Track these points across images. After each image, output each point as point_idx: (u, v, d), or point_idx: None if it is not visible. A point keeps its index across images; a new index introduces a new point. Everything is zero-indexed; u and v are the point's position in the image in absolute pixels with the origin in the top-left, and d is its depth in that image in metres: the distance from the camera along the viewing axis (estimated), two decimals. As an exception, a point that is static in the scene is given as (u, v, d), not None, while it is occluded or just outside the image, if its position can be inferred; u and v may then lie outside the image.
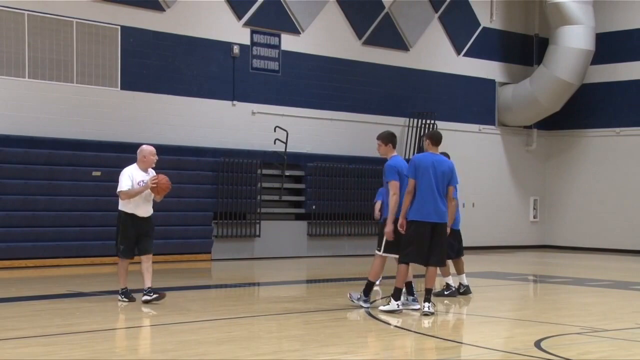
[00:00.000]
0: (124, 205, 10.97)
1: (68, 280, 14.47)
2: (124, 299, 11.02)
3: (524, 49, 26.14)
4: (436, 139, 11.00)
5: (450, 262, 12.13)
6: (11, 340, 8.26)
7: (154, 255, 17.72)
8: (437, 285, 11.80)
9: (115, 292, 11.55)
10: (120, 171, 17.66)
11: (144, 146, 11.22)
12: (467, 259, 21.90)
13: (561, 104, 24.99)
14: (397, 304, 10.24)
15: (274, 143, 20.10)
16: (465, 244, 26.27)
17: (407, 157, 23.14)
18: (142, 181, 10.95)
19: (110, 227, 17.26)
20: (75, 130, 17.55)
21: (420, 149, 23.07)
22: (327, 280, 14.46)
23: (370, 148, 22.57)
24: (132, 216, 10.96)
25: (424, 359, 8.18)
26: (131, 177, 10.90)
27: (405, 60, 23.31)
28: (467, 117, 24.81)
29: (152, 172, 11.18)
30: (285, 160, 20.10)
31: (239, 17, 20.18)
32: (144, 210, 11.06)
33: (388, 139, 10.80)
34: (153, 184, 10.91)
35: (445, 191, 10.33)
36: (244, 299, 11.50)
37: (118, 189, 10.89)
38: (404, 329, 9.26)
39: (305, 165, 20.59)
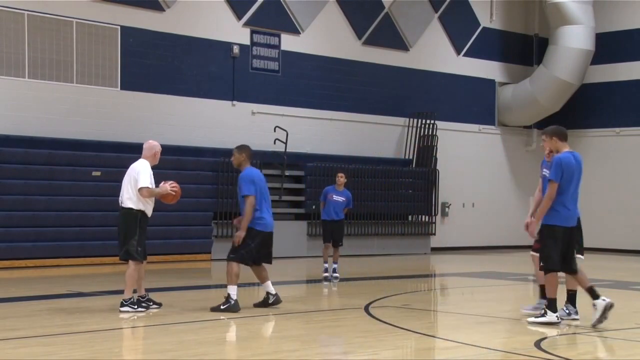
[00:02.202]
0: (141, 204, 10.14)
1: (68, 280, 14.47)
2: (154, 306, 10.28)
3: (524, 49, 26.13)
4: (566, 135, 9.95)
5: None
6: (11, 340, 8.25)
7: (153, 255, 17.87)
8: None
9: (115, 292, 11.54)
10: (119, 171, 17.67)
11: (155, 142, 10.51)
12: (467, 259, 21.97)
13: (561, 104, 24.99)
14: (556, 316, 9.38)
15: (274, 143, 20.10)
16: (465, 244, 26.37)
17: (406, 157, 23.17)
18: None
19: (110, 227, 17.32)
20: (75, 130, 17.55)
21: (421, 149, 23.08)
22: (327, 280, 14.46)
23: (370, 148, 22.65)
24: (145, 216, 10.27)
25: (423, 359, 8.18)
26: (150, 174, 10.21)
27: (405, 60, 23.31)
28: (467, 117, 24.81)
29: None
30: (285, 160, 20.10)
31: (239, 17, 20.18)
32: (151, 210, 10.35)
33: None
34: (173, 189, 10.31)
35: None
36: (243, 299, 11.48)
37: (141, 185, 10.03)
38: (404, 329, 9.26)
39: (305, 165, 20.59)
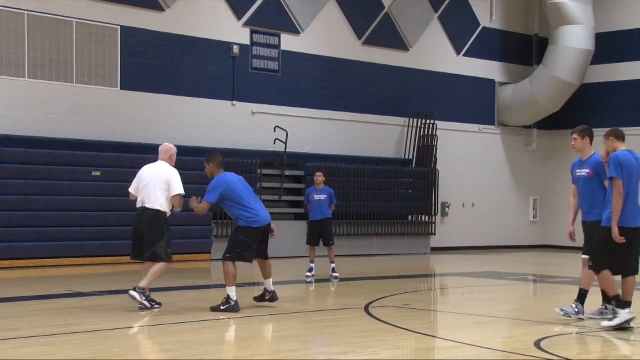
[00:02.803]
0: (167, 207, 10.37)
1: (68, 280, 14.47)
2: (156, 306, 10.29)
3: (524, 49, 26.13)
4: (622, 135, 9.87)
5: None
6: (11, 340, 8.25)
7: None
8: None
9: (114, 292, 11.54)
10: (119, 171, 17.76)
11: (171, 145, 10.75)
12: (467, 259, 21.96)
13: (561, 104, 24.99)
14: (628, 312, 9.10)
15: (274, 143, 20.10)
16: (465, 244, 26.35)
17: (406, 157, 23.17)
18: None
19: (110, 227, 17.34)
20: (75, 130, 17.56)
21: (421, 149, 23.08)
22: (327, 280, 14.46)
23: (370, 148, 22.65)
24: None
25: (423, 359, 8.18)
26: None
27: (405, 60, 23.31)
28: (467, 117, 24.81)
29: None
30: (285, 160, 20.10)
31: (239, 17, 20.19)
32: None
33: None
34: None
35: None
36: (243, 299, 11.49)
37: (179, 192, 10.31)
38: (404, 329, 9.26)
39: (305, 165, 20.59)
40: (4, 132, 16.63)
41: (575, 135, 9.92)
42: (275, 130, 20.07)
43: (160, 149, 10.66)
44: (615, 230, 9.01)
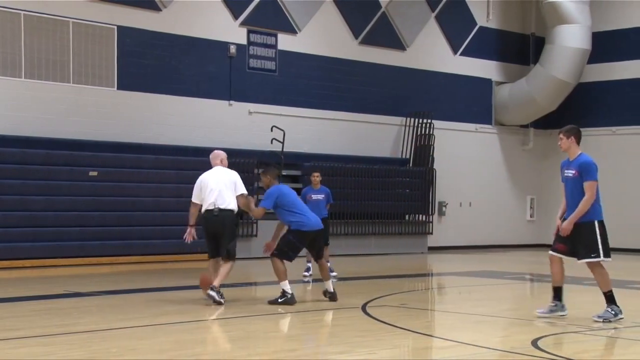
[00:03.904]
0: (235, 207, 11.05)
1: (66, 281, 14.47)
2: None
3: (521, 48, 26.17)
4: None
5: None
6: (9, 340, 8.26)
7: (152, 255, 17.90)
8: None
9: (113, 292, 11.56)
10: (117, 171, 17.78)
11: (218, 151, 11.43)
12: (464, 258, 21.99)
13: (558, 103, 25.03)
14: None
15: (271, 143, 20.11)
16: (462, 243, 26.40)
17: (403, 156, 23.19)
18: None
19: (108, 227, 17.35)
20: (73, 130, 17.56)
21: (418, 148, 23.10)
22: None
23: (367, 147, 22.67)
24: None
25: (421, 359, 8.20)
26: None
27: (402, 60, 23.33)
28: (464, 117, 24.83)
29: None
30: (282, 160, 20.11)
31: (236, 17, 20.20)
32: None
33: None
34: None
35: None
36: (241, 298, 11.51)
37: (244, 192, 11.01)
38: (402, 328, 9.28)
39: (303, 165, 20.60)
40: (1, 133, 16.63)
41: (561, 135, 10.01)
42: (272, 130, 20.08)
43: (211, 156, 11.31)
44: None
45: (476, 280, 15.79)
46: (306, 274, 14.55)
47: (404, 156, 23.21)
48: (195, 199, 11.09)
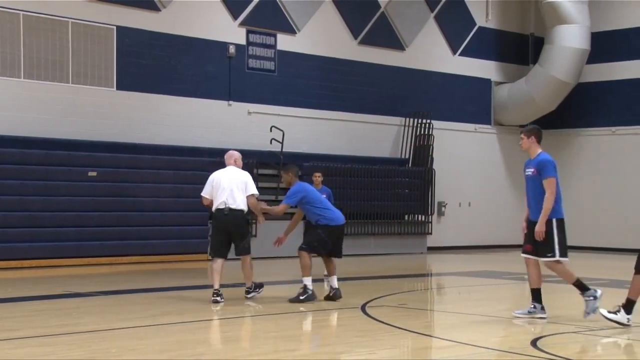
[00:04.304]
0: (246, 207, 11.28)
1: (65, 281, 14.46)
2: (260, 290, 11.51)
3: (520, 48, 26.17)
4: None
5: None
6: (9, 340, 8.25)
7: (151, 255, 17.89)
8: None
9: (112, 292, 11.53)
10: (114, 171, 17.78)
11: (233, 151, 11.74)
12: (463, 258, 21.99)
13: (557, 103, 25.03)
14: (627, 318, 9.24)
15: (270, 143, 20.11)
16: (461, 243, 26.39)
17: (402, 156, 23.19)
18: None
19: (107, 227, 17.35)
20: (71, 130, 17.55)
21: (417, 148, 23.11)
22: (323, 280, 14.48)
23: (366, 147, 22.67)
24: None
25: (420, 359, 8.20)
26: None
27: (401, 60, 23.33)
28: (463, 117, 24.84)
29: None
30: (282, 160, 20.10)
31: (235, 17, 20.19)
32: None
33: None
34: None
35: None
36: (240, 298, 11.50)
37: (254, 192, 11.22)
38: (401, 328, 9.28)
39: (302, 165, 20.57)
40: None
41: (522, 135, 10.19)
42: (271, 130, 20.08)
43: (225, 156, 11.60)
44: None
45: (475, 280, 15.79)
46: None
47: (403, 156, 23.22)
48: (205, 193, 11.38)
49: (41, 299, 11.80)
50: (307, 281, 11.07)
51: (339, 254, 11.48)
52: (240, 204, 11.09)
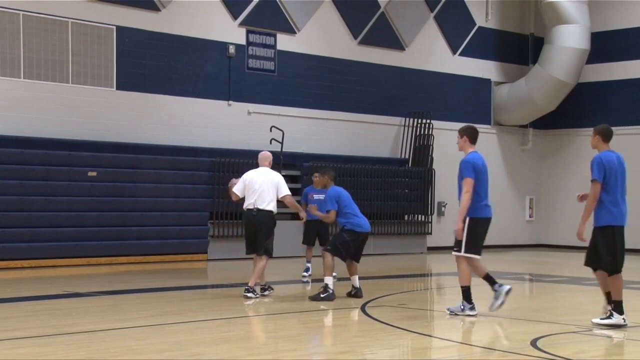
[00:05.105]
0: (276, 208, 11.69)
1: (64, 281, 14.45)
2: (271, 291, 11.95)
3: (520, 48, 26.16)
4: (609, 134, 10.37)
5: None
6: (7, 340, 8.25)
7: (150, 255, 17.89)
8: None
9: (111, 292, 11.52)
10: (115, 171, 17.82)
11: (265, 152, 12.15)
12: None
13: (557, 103, 25.02)
14: (623, 318, 9.24)
15: (270, 143, 20.09)
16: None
17: (402, 156, 23.19)
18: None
19: (106, 228, 17.34)
20: (71, 130, 17.54)
21: (417, 148, 23.10)
22: (323, 280, 14.46)
23: (366, 147, 22.66)
24: None
25: (420, 359, 8.19)
26: None
27: (401, 60, 23.32)
28: (462, 117, 24.76)
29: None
30: (281, 160, 20.09)
31: (235, 17, 20.18)
32: None
33: None
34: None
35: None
36: (240, 299, 11.50)
37: (286, 193, 11.65)
38: (401, 328, 9.27)
39: (302, 165, 20.59)
40: (-1, 133, 16.63)
41: (458, 135, 10.25)
42: (271, 130, 20.06)
43: (259, 156, 12.01)
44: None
45: (475, 281, 15.74)
46: (305, 274, 14.56)
47: (403, 156, 23.21)
48: (236, 190, 11.75)
49: (40, 299, 11.80)
50: (329, 281, 11.41)
51: (357, 259, 11.88)
52: (270, 205, 11.53)
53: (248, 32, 20.35)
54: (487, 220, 10.22)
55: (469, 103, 24.98)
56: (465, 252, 10.02)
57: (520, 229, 26.24)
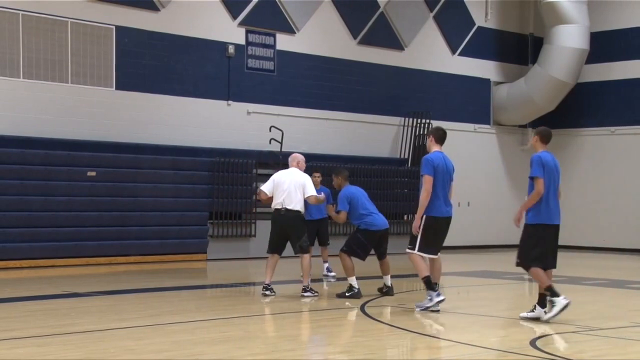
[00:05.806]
0: (303, 208, 11.88)
1: (63, 281, 14.45)
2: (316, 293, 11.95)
3: (519, 48, 26.16)
4: (548, 136, 10.89)
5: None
6: (6, 340, 8.25)
7: (150, 255, 17.88)
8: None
9: (111, 292, 11.51)
10: (115, 171, 17.83)
11: (296, 153, 12.46)
12: (462, 258, 21.98)
13: (556, 103, 25.02)
14: (563, 297, 9.75)
15: (270, 143, 20.10)
16: (460, 243, 26.44)
17: (401, 156, 23.19)
18: None
19: (106, 228, 17.33)
20: (71, 130, 17.54)
21: (417, 148, 23.09)
22: (323, 280, 14.47)
23: (365, 147, 22.65)
24: None
25: (420, 359, 8.19)
26: None
27: (401, 60, 23.32)
28: (462, 117, 24.82)
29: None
30: (281, 160, 20.08)
31: (234, 17, 20.18)
32: None
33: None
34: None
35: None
36: (239, 298, 11.50)
37: (313, 193, 11.84)
38: (400, 328, 9.27)
39: (301, 165, 20.56)
40: (-1, 133, 16.62)
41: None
42: (270, 130, 20.07)
43: (289, 158, 12.32)
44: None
45: (475, 280, 15.78)
46: (328, 274, 14.74)
47: (402, 156, 23.21)
48: (265, 189, 11.97)
49: (39, 299, 11.79)
50: (352, 281, 11.63)
51: (382, 256, 12.09)
52: (297, 205, 11.71)
53: (247, 32, 20.35)
54: (444, 220, 10.34)
55: (468, 103, 24.99)
56: (419, 250, 10.44)
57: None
